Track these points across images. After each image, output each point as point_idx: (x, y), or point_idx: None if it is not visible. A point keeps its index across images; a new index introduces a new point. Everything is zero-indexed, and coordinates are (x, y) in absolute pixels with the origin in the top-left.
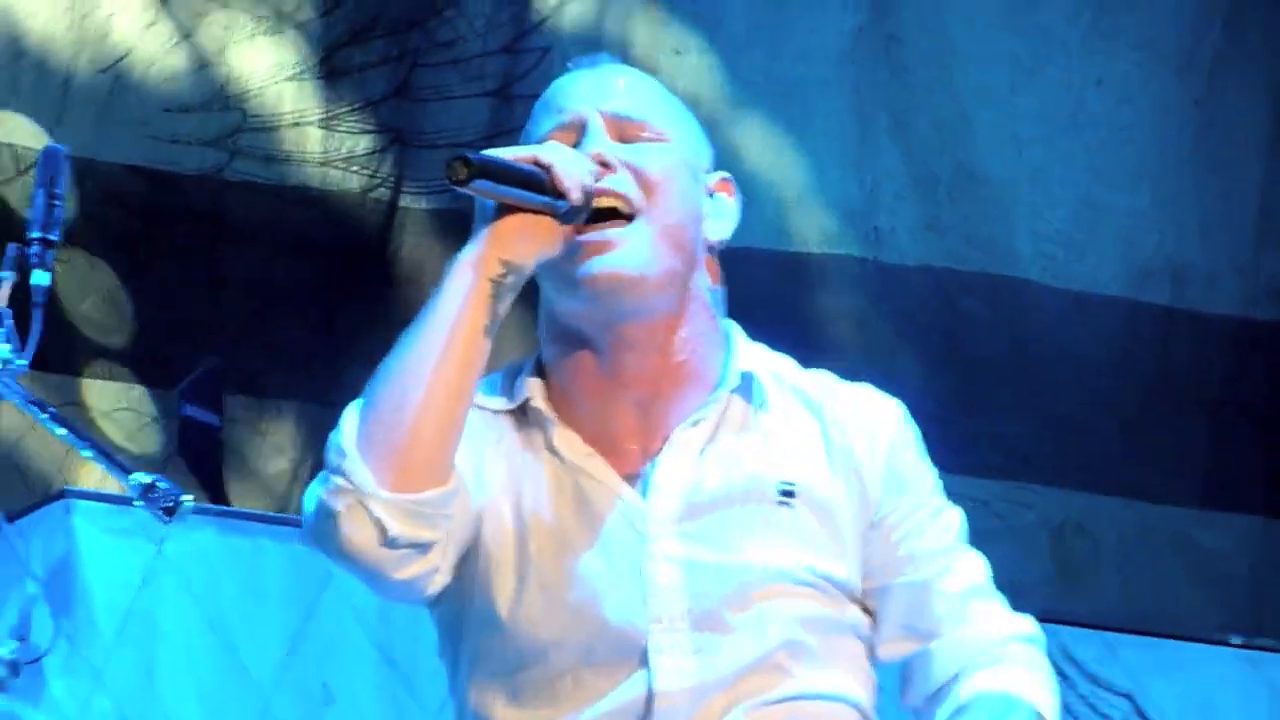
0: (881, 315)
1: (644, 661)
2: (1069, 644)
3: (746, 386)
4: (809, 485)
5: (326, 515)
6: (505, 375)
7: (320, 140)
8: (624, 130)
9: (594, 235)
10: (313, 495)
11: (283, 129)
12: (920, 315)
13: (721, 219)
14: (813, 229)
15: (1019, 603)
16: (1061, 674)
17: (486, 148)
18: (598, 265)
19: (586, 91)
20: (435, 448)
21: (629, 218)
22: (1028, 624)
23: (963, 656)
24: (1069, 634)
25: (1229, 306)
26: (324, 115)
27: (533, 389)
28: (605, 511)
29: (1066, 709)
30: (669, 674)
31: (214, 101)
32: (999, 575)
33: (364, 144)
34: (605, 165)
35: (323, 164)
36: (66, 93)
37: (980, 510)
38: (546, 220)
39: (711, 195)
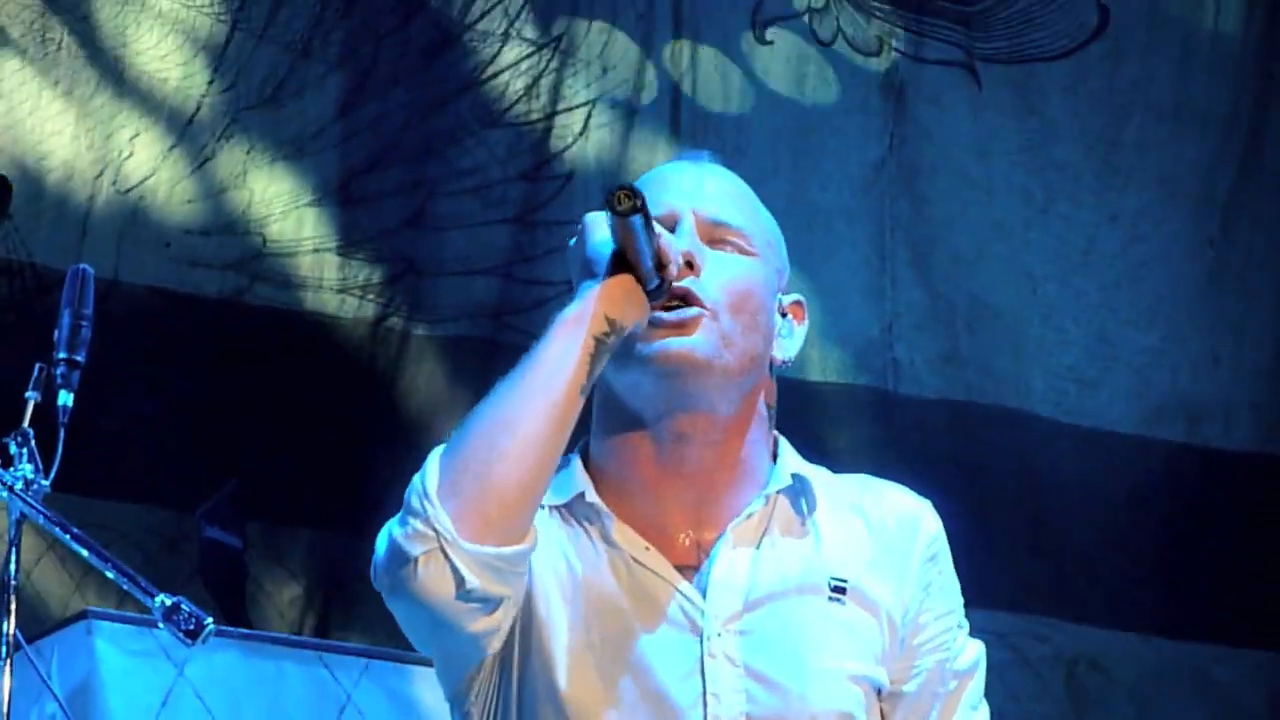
0: (898, 446)
1: None
2: None
3: (795, 488)
4: (858, 581)
5: (403, 560)
6: None
7: (337, 267)
8: (715, 234)
9: (673, 315)
10: (388, 537)
11: (301, 255)
12: (937, 447)
13: (789, 339)
14: (831, 359)
15: None
16: None
17: (507, 275)
18: (674, 344)
19: (686, 188)
20: (521, 503)
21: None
22: None
23: None
24: None
25: (1243, 443)
26: (341, 243)
27: (586, 484)
28: (665, 606)
29: None
30: None
31: (235, 225)
32: (1014, 709)
33: (378, 273)
34: (690, 266)
35: (340, 291)
36: (89, 213)
37: (996, 643)
38: (640, 291)
39: (784, 315)
